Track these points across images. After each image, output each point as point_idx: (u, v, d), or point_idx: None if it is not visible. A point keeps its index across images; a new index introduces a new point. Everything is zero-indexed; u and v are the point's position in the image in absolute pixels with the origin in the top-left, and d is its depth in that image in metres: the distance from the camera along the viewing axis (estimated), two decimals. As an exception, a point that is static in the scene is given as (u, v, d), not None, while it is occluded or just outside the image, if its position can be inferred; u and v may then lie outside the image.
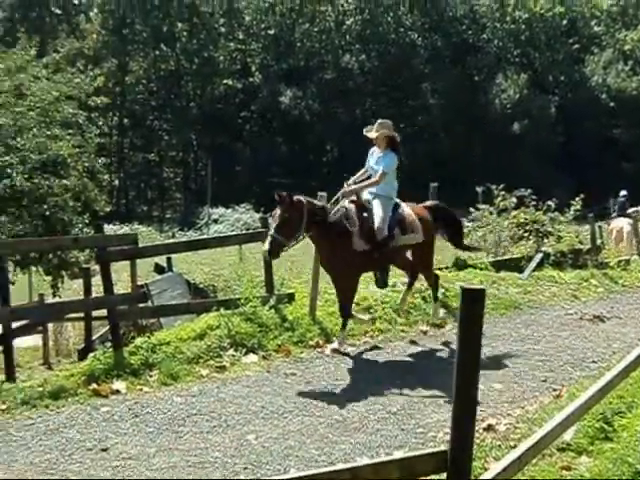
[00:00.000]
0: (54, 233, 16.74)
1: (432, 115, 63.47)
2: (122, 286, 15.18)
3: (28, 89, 18.27)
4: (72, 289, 20.85)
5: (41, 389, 8.78)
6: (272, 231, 9.77)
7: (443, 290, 12.64)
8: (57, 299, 17.43)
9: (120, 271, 15.54)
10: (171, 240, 33.54)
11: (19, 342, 13.88)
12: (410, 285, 11.78)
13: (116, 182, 64.07)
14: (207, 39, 65.61)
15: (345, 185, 10.57)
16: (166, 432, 7.63)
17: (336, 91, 62.37)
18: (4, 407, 8.28)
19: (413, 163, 55.36)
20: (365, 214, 10.35)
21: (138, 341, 10.21)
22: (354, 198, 10.44)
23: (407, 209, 10.84)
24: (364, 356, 10.25)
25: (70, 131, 18.85)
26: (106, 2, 65.57)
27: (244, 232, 30.07)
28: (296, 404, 8.41)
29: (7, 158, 16.37)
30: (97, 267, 11.94)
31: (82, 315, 13.91)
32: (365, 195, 10.57)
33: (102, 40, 64.87)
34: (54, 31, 63.18)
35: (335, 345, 10.31)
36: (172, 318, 12.93)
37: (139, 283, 14.95)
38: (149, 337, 10.35)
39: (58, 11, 68.67)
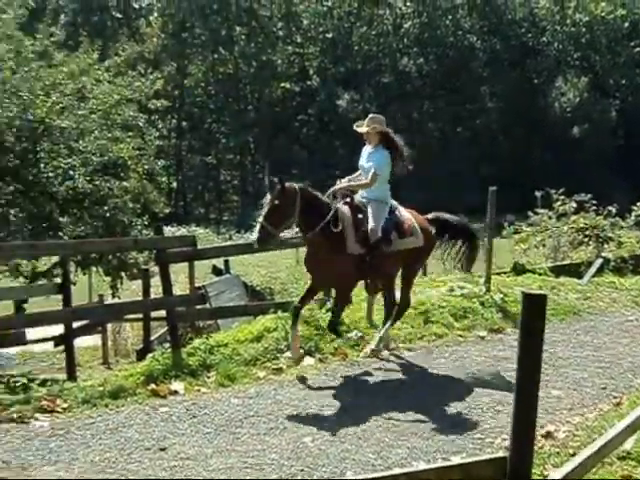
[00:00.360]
0: (114, 234, 16.94)
1: (490, 118, 62.99)
2: (180, 288, 15.29)
3: (90, 92, 18.53)
4: (130, 290, 21.08)
5: (101, 388, 8.89)
6: (261, 219, 9.29)
7: (501, 295, 12.54)
8: (116, 300, 17.63)
9: (178, 272, 15.65)
10: (229, 242, 33.70)
11: (79, 342, 14.08)
12: (388, 316, 10.53)
13: (174, 184, 64.60)
14: (265, 42, 65.93)
15: (338, 182, 10.11)
16: (223, 433, 7.67)
17: (393, 94, 62.19)
18: (65, 406, 8.39)
19: (471, 166, 55.12)
20: (360, 215, 9.77)
21: (196, 342, 10.29)
22: (348, 200, 9.86)
23: (406, 213, 10.24)
24: (421, 361, 10.19)
25: (130, 133, 19.07)
26: (166, 6, 66.28)
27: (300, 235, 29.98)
28: (352, 407, 8.40)
29: (70, 160, 16.62)
30: (156, 268, 12.08)
31: (141, 316, 14.06)
32: (358, 197, 9.99)
33: (162, 44, 65.53)
34: (115, 35, 63.87)
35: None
36: (229, 320, 13.00)
37: (197, 285, 15.08)
38: (207, 338, 10.42)
39: (119, 15, 69.53)
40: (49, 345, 14.93)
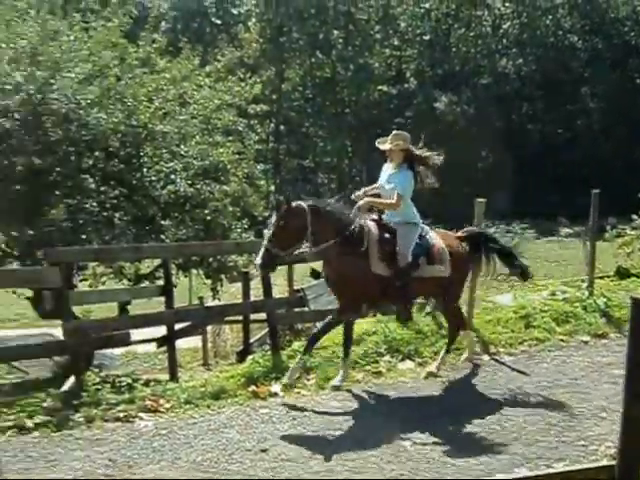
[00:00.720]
0: (214, 237, 17.15)
1: (591, 119, 61.70)
2: (278, 290, 15.41)
3: (191, 97, 18.82)
4: (229, 292, 21.36)
5: (203, 389, 9.06)
6: (265, 241, 8.76)
7: (605, 299, 12.28)
8: (216, 302, 17.84)
9: (276, 275, 15.79)
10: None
11: (180, 343, 14.29)
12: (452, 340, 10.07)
13: (272, 187, 65.17)
14: (363, 46, 65.93)
15: (353, 196, 9.50)
16: (323, 436, 7.71)
17: (492, 96, 61.48)
18: (168, 406, 8.57)
19: (572, 169, 54.10)
20: (387, 235, 9.19)
21: (296, 345, 10.40)
22: (375, 217, 9.38)
23: (436, 237, 9.57)
24: (522, 365, 10.06)
25: (230, 138, 19.31)
26: (264, 11, 66.92)
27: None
28: (452, 412, 8.35)
29: (172, 164, 16.90)
30: (255, 271, 12.21)
31: (240, 318, 14.21)
32: (386, 217, 9.45)
33: (260, 49, 66.18)
34: (214, 41, 64.78)
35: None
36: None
37: (295, 288, 15.17)
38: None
39: (218, 21, 70.49)
40: (150, 346, 15.21)
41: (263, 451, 7.28)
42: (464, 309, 10.98)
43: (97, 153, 15.87)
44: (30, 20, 16.68)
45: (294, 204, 8.81)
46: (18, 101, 15.02)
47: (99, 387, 8.98)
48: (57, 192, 15.19)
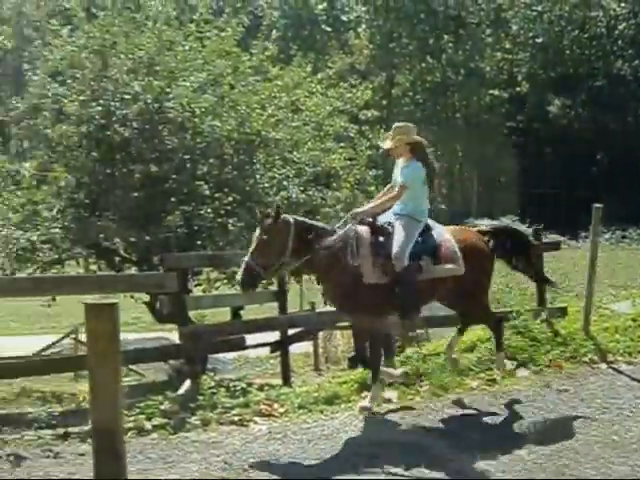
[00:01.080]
0: (325, 243, 17.22)
1: None
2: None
3: (303, 104, 18.98)
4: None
5: (316, 395, 9.09)
6: (246, 257, 8.10)
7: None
8: (328, 308, 17.89)
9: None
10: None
11: (292, 348, 14.40)
12: (462, 330, 9.60)
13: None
14: (473, 50, 65.42)
15: (350, 214, 8.66)
16: (437, 443, 7.64)
17: (607, 99, 60.15)
18: (282, 410, 8.64)
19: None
20: (382, 238, 8.36)
21: (408, 351, 10.37)
22: (369, 219, 8.53)
23: (445, 233, 8.78)
24: (641, 375, 9.81)
25: (342, 144, 19.40)
26: (374, 18, 67.07)
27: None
28: (569, 421, 8.18)
29: (284, 171, 17.08)
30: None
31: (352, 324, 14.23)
32: (384, 217, 8.61)
33: (370, 55, 66.33)
34: (324, 48, 65.27)
35: (365, 403, 8.55)
36: (439, 329, 12.95)
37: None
38: (419, 348, 10.44)
39: (328, 29, 70.92)
40: (261, 351, 15.38)
41: (376, 457, 7.26)
42: (580, 316, 10.78)
43: (211, 160, 16.17)
44: (147, 31, 17.10)
45: (281, 217, 8.09)
46: (136, 110, 15.43)
47: (214, 391, 9.10)
48: (173, 199, 15.52)
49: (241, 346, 10.37)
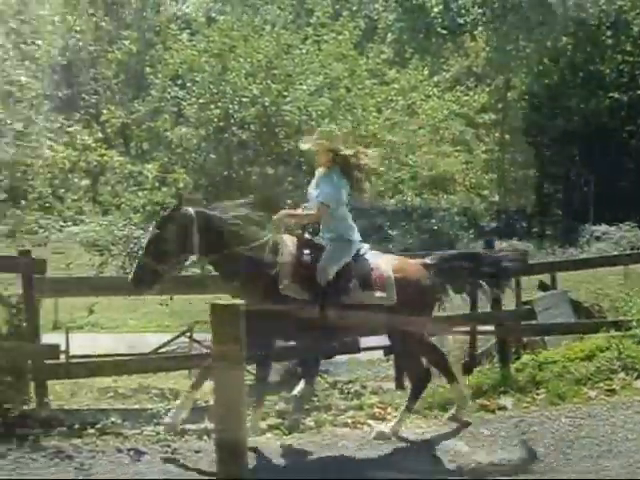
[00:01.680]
0: (438, 247, 17.16)
1: None
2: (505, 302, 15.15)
3: (419, 107, 18.97)
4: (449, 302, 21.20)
5: (430, 400, 9.03)
6: (140, 253, 7.45)
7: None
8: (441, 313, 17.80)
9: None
10: (552, 258, 33.06)
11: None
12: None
13: (496, 197, 64.36)
14: (593, 52, 64.04)
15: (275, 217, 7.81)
16: (553, 453, 7.52)
17: None
18: (396, 414, 8.60)
19: None
20: (308, 251, 7.60)
21: (524, 358, 10.19)
22: (299, 231, 7.86)
23: (381, 260, 7.94)
24: None
25: (458, 148, 19.32)
26: (491, 20, 66.33)
27: (630, 252, 28.69)
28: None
29: (399, 174, 17.09)
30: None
31: (465, 329, 14.10)
32: (318, 239, 7.83)
33: (486, 57, 65.65)
34: (439, 51, 64.90)
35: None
36: (555, 337, 12.67)
37: (523, 300, 14.86)
38: (535, 355, 10.27)
39: (444, 31, 70.48)
40: (372, 354, 15.35)
41: (494, 464, 7.18)
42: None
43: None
44: (266, 35, 17.33)
45: (179, 210, 7.37)
46: (254, 113, 15.65)
47: (328, 392, 9.16)
48: (289, 201, 15.68)
49: (355, 349, 10.35)
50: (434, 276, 8.11)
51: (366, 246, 7.96)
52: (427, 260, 8.31)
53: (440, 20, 70.90)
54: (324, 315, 7.35)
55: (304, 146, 8.07)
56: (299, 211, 8.05)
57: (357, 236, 7.86)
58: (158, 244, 7.24)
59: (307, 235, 7.87)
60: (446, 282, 8.33)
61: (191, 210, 7.35)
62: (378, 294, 7.65)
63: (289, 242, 7.63)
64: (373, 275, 7.72)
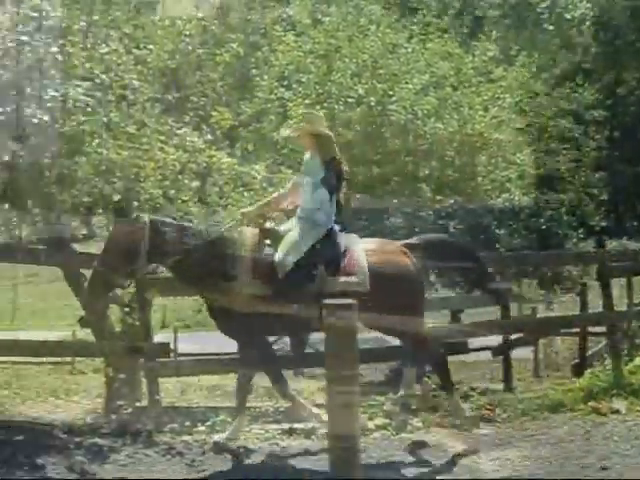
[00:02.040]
0: (547, 247, 16.93)
1: None
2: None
3: (526, 105, 18.73)
4: (558, 302, 20.89)
5: (539, 402, 8.91)
6: (95, 262, 7.12)
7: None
8: (551, 313, 17.54)
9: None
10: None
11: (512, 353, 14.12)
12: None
13: (605, 196, 62.96)
14: None
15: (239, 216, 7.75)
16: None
17: None
18: (505, 416, 8.53)
19: None
20: (269, 241, 7.29)
21: (637, 360, 9.94)
22: (260, 221, 7.51)
23: (355, 244, 7.43)
24: None
25: (567, 145, 19.00)
26: (599, 15, 64.90)
27: None
28: None
29: (506, 173, 16.90)
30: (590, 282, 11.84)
31: (574, 330, 13.87)
32: (287, 225, 7.51)
33: (595, 53, 64.26)
34: (547, 47, 63.85)
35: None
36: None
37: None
38: (651, 357, 10.03)
39: (550, 27, 69.31)
40: (477, 355, 15.20)
41: (604, 469, 7.02)
42: None
43: (433, 162, 16.20)
44: (371, 35, 17.34)
45: (137, 220, 7.12)
46: (359, 113, 15.68)
47: (435, 394, 9.11)
48: (395, 200, 15.69)
49: (464, 350, 10.27)
50: (418, 259, 7.60)
51: (337, 228, 7.49)
52: (413, 240, 7.89)
53: (547, 16, 69.89)
54: (287, 308, 7.01)
55: (284, 133, 8.10)
56: (264, 200, 7.94)
57: (328, 220, 7.40)
58: (113, 252, 7.00)
59: (269, 224, 7.54)
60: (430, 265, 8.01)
61: (145, 218, 7.13)
62: (349, 279, 7.13)
63: (249, 234, 7.36)
64: (344, 260, 7.28)
